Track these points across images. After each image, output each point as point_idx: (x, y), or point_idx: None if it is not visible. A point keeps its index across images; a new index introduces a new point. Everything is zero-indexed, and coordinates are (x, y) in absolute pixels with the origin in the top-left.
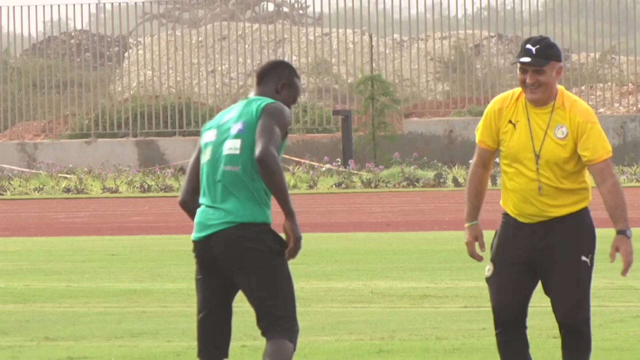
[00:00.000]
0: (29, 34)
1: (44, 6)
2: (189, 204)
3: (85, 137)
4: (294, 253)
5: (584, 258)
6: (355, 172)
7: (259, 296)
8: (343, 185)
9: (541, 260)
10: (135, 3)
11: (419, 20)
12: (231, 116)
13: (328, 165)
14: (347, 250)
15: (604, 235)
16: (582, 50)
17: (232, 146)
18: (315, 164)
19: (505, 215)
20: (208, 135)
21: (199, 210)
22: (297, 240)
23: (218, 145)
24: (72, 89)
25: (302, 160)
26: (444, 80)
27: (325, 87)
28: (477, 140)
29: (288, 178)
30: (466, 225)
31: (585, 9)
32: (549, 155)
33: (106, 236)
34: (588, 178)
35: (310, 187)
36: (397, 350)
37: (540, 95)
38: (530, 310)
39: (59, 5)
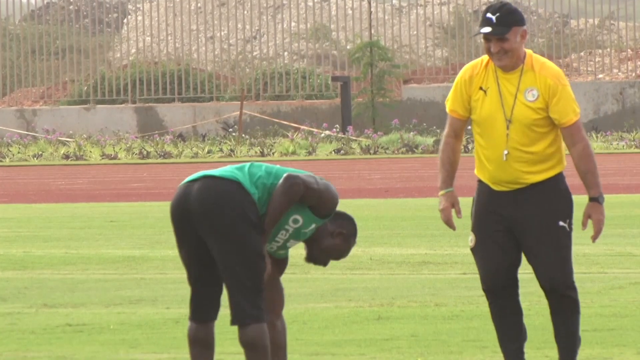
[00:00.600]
0: (28, 0)
1: None
2: None
3: (84, 104)
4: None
5: (561, 223)
6: (354, 138)
7: (223, 263)
8: (342, 152)
9: (519, 228)
10: None
11: None
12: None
13: (327, 132)
14: None
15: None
16: (581, 16)
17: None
18: (314, 130)
19: (480, 182)
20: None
21: None
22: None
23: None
24: (71, 56)
25: (301, 127)
26: (443, 46)
27: (324, 54)
28: (448, 110)
29: (287, 145)
30: (441, 192)
31: None
32: (520, 118)
33: (105, 203)
34: (561, 143)
35: (309, 153)
36: (396, 317)
37: (507, 61)
38: (525, 276)
39: None
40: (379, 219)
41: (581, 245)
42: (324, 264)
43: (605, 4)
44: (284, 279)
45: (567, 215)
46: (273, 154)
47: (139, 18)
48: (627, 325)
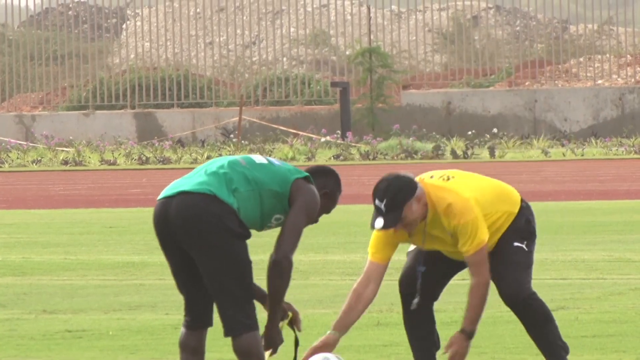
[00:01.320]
0: (27, 5)
1: None
2: None
3: (83, 109)
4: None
5: (517, 244)
6: (354, 144)
7: (211, 277)
8: (341, 157)
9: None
10: None
11: None
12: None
13: (326, 138)
14: (345, 223)
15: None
16: (580, 22)
17: (257, 157)
18: (314, 136)
19: None
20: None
21: None
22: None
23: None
24: (70, 61)
25: (301, 133)
26: (442, 52)
27: (323, 59)
28: (370, 255)
29: (286, 151)
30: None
31: None
32: (450, 242)
33: (104, 208)
34: (504, 217)
35: (309, 159)
36: (395, 323)
37: (411, 229)
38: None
39: None
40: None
41: (580, 251)
42: (316, 222)
43: (604, 9)
44: None
45: (525, 237)
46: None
47: (138, 23)
48: (626, 331)
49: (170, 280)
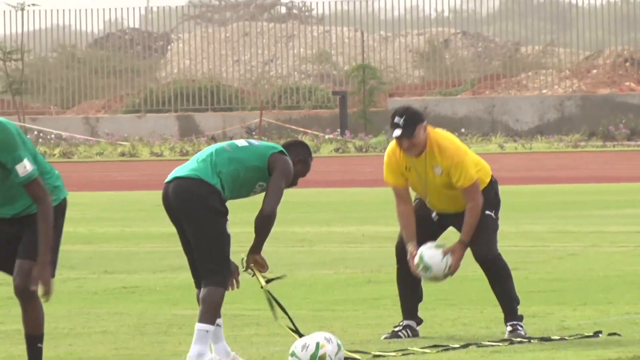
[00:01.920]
0: (92, 31)
1: (103, 9)
2: None
3: (137, 113)
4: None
5: (487, 212)
6: (350, 140)
7: (197, 244)
8: (340, 150)
9: (454, 220)
10: (177, 6)
11: (400, 20)
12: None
13: (329, 135)
14: (344, 202)
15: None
16: (529, 44)
17: (239, 141)
18: (319, 133)
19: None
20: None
21: None
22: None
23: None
24: (126, 75)
25: (308, 131)
26: (420, 68)
27: (326, 73)
28: (388, 183)
29: None
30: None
31: (531, 10)
32: (434, 186)
33: (153, 191)
34: (480, 172)
35: (314, 151)
36: (384, 281)
37: (414, 152)
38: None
39: (115, 8)
40: (370, 204)
41: (529, 224)
42: (295, 184)
43: (548, 34)
44: (294, 252)
45: (494, 207)
46: None
47: (180, 45)
48: (565, 287)
49: None
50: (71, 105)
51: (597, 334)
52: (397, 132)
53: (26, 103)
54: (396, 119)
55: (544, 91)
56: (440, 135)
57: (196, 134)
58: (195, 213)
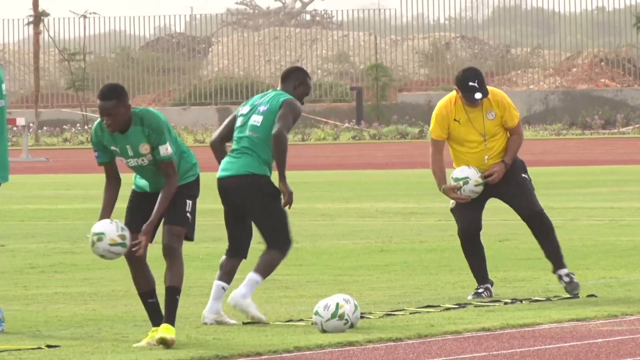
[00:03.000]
0: (144, 35)
1: (154, 16)
2: (217, 147)
3: (182, 105)
4: (288, 203)
5: (523, 175)
6: (365, 129)
7: (259, 223)
8: (357, 138)
9: (495, 188)
10: (217, 14)
11: (408, 26)
12: (262, 101)
13: (347, 125)
14: (359, 182)
15: (553, 172)
16: (519, 46)
17: (256, 120)
18: (338, 123)
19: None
20: (244, 109)
21: (225, 159)
22: (290, 195)
23: (247, 118)
24: (174, 73)
25: (329, 121)
26: (425, 67)
27: (344, 71)
28: (433, 136)
29: (319, 134)
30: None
31: (520, 18)
32: (488, 130)
33: None
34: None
35: (335, 139)
36: (394, 250)
37: (477, 105)
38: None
39: (164, 16)
40: (382, 184)
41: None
42: (302, 103)
43: (534, 37)
44: (317, 225)
45: (524, 171)
46: (310, 139)
47: (220, 47)
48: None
49: None
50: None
51: (576, 295)
52: (478, 94)
53: (87, 97)
54: (470, 83)
55: (531, 87)
56: (490, 87)
57: None
58: (258, 205)
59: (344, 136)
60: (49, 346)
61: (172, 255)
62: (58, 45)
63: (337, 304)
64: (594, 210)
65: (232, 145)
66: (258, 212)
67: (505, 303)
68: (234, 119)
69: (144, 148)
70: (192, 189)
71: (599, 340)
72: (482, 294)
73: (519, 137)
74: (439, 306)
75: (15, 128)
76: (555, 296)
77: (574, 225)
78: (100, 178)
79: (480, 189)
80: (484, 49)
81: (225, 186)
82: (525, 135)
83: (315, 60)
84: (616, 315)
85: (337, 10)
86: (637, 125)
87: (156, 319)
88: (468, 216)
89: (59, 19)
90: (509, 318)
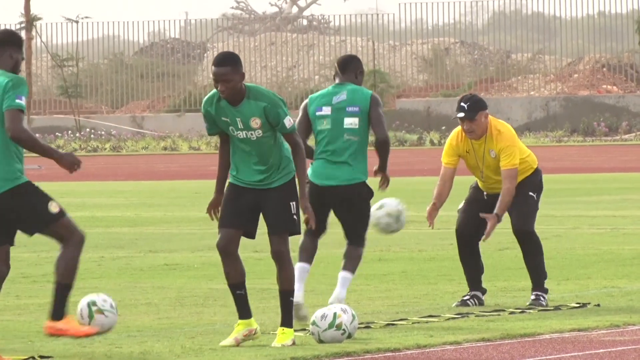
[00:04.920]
0: (138, 40)
1: (148, 21)
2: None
3: (177, 112)
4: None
5: (530, 193)
6: None
7: (352, 224)
8: None
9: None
10: (212, 19)
11: (407, 31)
12: (342, 98)
13: None
14: None
15: (555, 179)
16: (519, 52)
17: (351, 122)
18: None
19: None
20: (323, 110)
21: (319, 162)
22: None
23: (336, 119)
24: (168, 79)
25: None
26: (423, 72)
27: None
28: (442, 161)
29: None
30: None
31: (520, 23)
32: (487, 167)
33: (192, 180)
34: (528, 158)
35: None
36: (392, 259)
37: (474, 135)
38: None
39: (158, 21)
40: (380, 191)
41: None
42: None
43: (535, 43)
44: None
45: (537, 190)
46: None
47: (215, 53)
48: (550, 264)
49: None
50: (120, 105)
51: (584, 305)
52: (461, 114)
53: (80, 104)
54: (462, 103)
55: (532, 93)
56: (501, 123)
57: None
58: (358, 209)
59: None
60: (41, 357)
61: (281, 259)
62: (50, 51)
63: (335, 314)
64: (596, 218)
65: (320, 146)
66: (355, 215)
67: (511, 313)
68: (307, 118)
69: (255, 122)
70: (292, 189)
71: (601, 350)
72: (468, 302)
73: (509, 189)
74: (440, 316)
75: None
76: (564, 305)
77: (576, 234)
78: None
79: (384, 220)
80: (484, 54)
81: (330, 193)
82: (526, 142)
83: (312, 66)
84: (618, 325)
85: (334, 15)
86: (639, 133)
87: (243, 312)
88: (466, 218)
89: (51, 24)
90: (509, 328)
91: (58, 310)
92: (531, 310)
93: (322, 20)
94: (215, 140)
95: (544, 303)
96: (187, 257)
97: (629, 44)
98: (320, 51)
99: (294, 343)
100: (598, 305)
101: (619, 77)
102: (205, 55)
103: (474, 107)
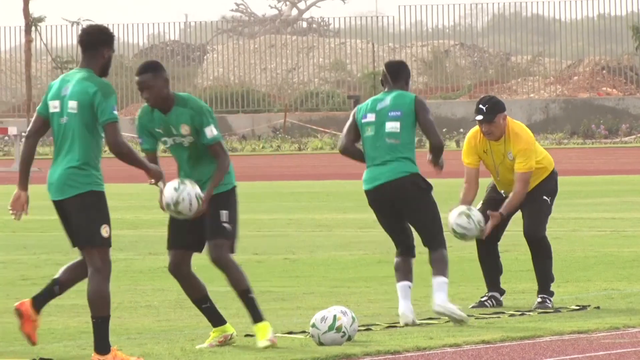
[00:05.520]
0: (138, 43)
1: (148, 24)
2: (350, 149)
3: None
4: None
5: (544, 197)
6: None
7: (421, 221)
8: None
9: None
10: (212, 22)
11: (407, 33)
12: (385, 104)
13: None
14: (357, 192)
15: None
16: (519, 54)
17: (392, 126)
18: (336, 133)
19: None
20: (368, 117)
21: (368, 170)
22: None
23: (379, 125)
24: None
25: (327, 130)
26: (423, 75)
27: (342, 80)
28: (464, 162)
29: (317, 143)
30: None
31: (520, 25)
32: (505, 168)
33: None
34: (544, 160)
35: (332, 148)
36: (392, 262)
37: (492, 136)
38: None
39: (158, 23)
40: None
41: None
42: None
43: (534, 45)
44: (314, 235)
45: (551, 194)
46: (307, 149)
47: (215, 55)
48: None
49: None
50: (120, 107)
51: (584, 307)
52: (479, 116)
53: None
54: (480, 106)
55: (532, 95)
56: (518, 125)
57: (229, 133)
58: (416, 201)
59: None
60: (42, 359)
61: (222, 265)
62: (51, 53)
63: (335, 316)
64: (596, 221)
65: (366, 153)
66: (418, 209)
67: (511, 315)
68: (355, 125)
69: (184, 129)
70: (225, 199)
71: (601, 352)
72: (486, 303)
73: (519, 192)
74: (440, 318)
75: (6, 137)
76: (558, 308)
77: (576, 236)
78: None
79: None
80: (484, 56)
81: (382, 192)
82: None
83: (311, 69)
84: (618, 327)
85: (334, 18)
86: (639, 135)
87: (215, 321)
88: (485, 217)
89: (51, 26)
90: (509, 330)
91: (102, 344)
92: (531, 313)
93: (321, 23)
94: None
95: (549, 306)
96: None
97: (628, 47)
98: (320, 53)
99: (274, 342)
100: (598, 307)
101: (618, 79)
102: (205, 57)
103: (493, 110)
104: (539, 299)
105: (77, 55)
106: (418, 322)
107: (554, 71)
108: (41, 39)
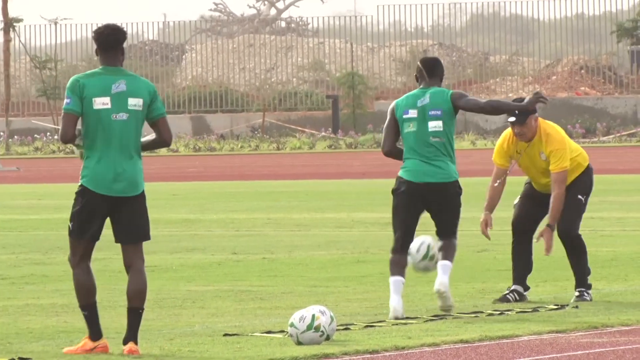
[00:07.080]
0: None
1: (126, 23)
2: (394, 151)
3: None
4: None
5: (579, 196)
6: (341, 138)
7: (447, 219)
8: (332, 147)
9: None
10: (190, 21)
11: (385, 33)
12: (425, 102)
13: (323, 134)
14: (336, 192)
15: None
16: (497, 53)
17: (435, 125)
18: (314, 132)
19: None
20: (410, 113)
21: (412, 162)
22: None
23: (421, 122)
24: None
25: (305, 130)
26: (402, 74)
27: (320, 79)
28: (494, 161)
29: (295, 142)
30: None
31: (498, 25)
32: (539, 169)
33: (170, 182)
34: (579, 157)
35: (310, 148)
36: (370, 261)
37: (524, 138)
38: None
39: (137, 23)
40: (359, 194)
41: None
42: None
43: (513, 45)
44: (292, 235)
45: (585, 192)
46: (285, 148)
47: (193, 55)
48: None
49: (216, 231)
50: None
51: (562, 307)
52: (512, 118)
53: (59, 106)
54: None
55: (510, 95)
56: (550, 125)
57: (207, 133)
58: (455, 205)
59: (320, 145)
60: (20, 359)
61: (134, 270)
62: (29, 53)
63: (313, 316)
64: None
65: (409, 147)
66: (453, 211)
67: (489, 314)
68: (395, 122)
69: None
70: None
71: (579, 352)
72: (508, 296)
73: (559, 194)
74: (418, 318)
75: None
76: (536, 308)
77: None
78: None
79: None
80: (462, 56)
81: (427, 189)
82: None
83: (290, 68)
84: (596, 326)
85: (312, 17)
86: (617, 134)
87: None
88: (522, 212)
89: (30, 25)
90: (488, 330)
91: (136, 334)
92: (509, 312)
93: (300, 22)
94: (194, 142)
95: (588, 298)
96: (165, 258)
97: (607, 46)
98: (299, 53)
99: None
100: (576, 307)
101: (597, 79)
102: (184, 57)
103: (526, 115)
104: (577, 293)
105: (55, 55)
106: (403, 317)
107: (532, 71)
108: (19, 39)
